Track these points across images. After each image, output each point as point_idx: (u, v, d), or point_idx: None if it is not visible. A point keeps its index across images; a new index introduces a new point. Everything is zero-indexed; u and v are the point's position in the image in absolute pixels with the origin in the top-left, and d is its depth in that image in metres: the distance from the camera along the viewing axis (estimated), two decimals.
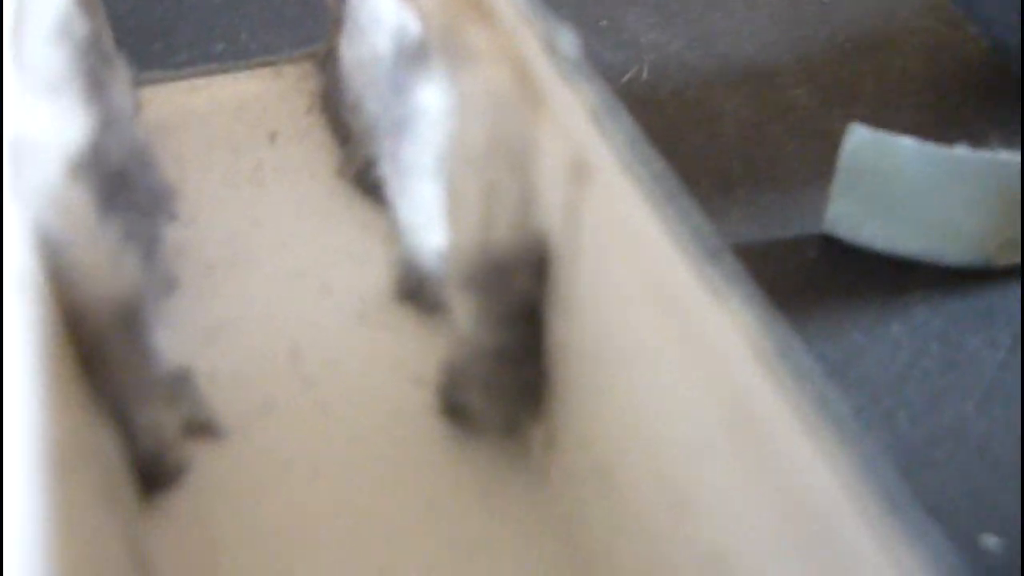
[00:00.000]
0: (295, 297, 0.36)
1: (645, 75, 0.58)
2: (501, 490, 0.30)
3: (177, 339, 0.34)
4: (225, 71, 0.45)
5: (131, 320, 0.26)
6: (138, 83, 0.44)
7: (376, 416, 0.32)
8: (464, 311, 0.28)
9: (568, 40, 0.23)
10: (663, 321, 0.21)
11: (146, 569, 0.27)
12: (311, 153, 0.42)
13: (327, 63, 0.44)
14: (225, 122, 0.43)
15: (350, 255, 0.38)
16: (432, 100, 0.31)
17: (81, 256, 0.23)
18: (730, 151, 0.53)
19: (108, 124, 0.33)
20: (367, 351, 0.34)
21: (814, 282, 0.46)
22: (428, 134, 0.31)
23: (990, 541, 0.32)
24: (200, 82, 0.45)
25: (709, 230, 0.19)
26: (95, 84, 0.33)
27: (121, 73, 0.38)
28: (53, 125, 0.24)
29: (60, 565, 0.20)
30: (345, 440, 0.32)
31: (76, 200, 0.23)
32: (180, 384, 0.32)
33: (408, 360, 0.33)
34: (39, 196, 0.23)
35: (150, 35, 0.57)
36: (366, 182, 0.39)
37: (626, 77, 0.55)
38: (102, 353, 0.25)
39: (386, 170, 0.36)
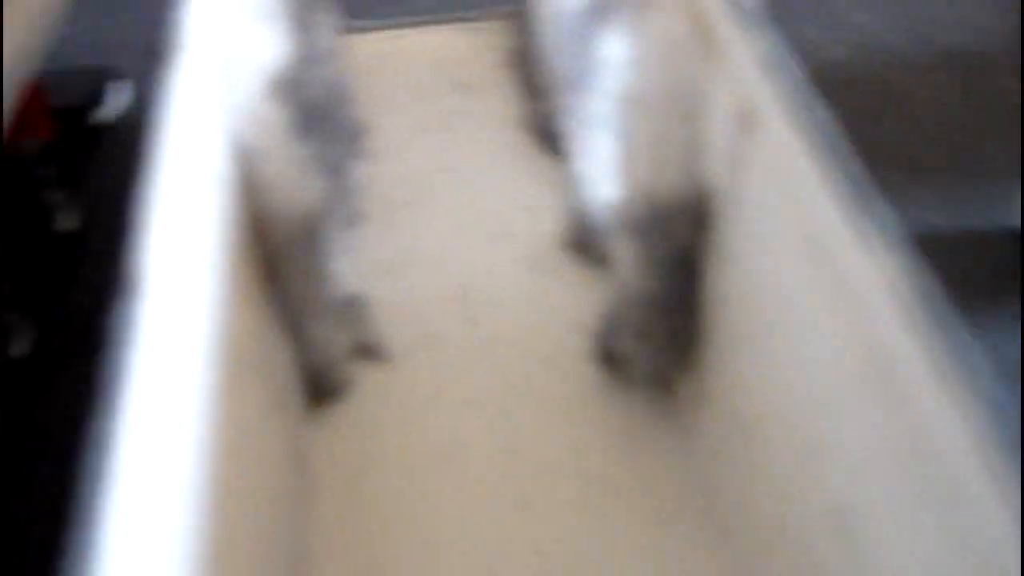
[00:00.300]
0: (470, 239, 0.37)
1: (844, 55, 0.56)
2: (647, 438, 0.31)
3: (357, 267, 0.36)
4: (426, 23, 0.47)
5: (312, 235, 0.28)
6: (347, 29, 0.46)
7: (533, 358, 0.33)
8: (626, 257, 0.28)
9: None
10: (815, 272, 0.21)
11: (306, 469, 0.29)
12: (499, 105, 0.44)
13: (521, 21, 0.45)
14: (422, 71, 0.45)
15: (526, 203, 0.39)
16: (614, 52, 0.31)
17: (272, 169, 0.25)
18: (927, 137, 0.51)
19: (311, 60, 0.35)
20: (532, 296, 0.35)
21: (1002, 278, 0.44)
22: (608, 86, 0.32)
23: None
24: (402, 32, 0.47)
25: (866, 182, 0.19)
26: (303, 22, 0.35)
27: (329, 17, 0.40)
28: (259, 49, 0.25)
29: (228, 457, 0.22)
30: (501, 378, 0.33)
31: (273, 117, 0.25)
32: (354, 308, 0.34)
33: (570, 308, 0.34)
34: (240, 110, 0.25)
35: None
36: (547, 135, 0.40)
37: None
38: (284, 262, 0.27)
39: (567, 123, 0.37)
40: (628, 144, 0.28)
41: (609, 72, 0.33)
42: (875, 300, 0.18)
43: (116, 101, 0.64)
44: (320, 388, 0.32)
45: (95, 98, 0.64)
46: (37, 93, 0.46)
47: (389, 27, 0.47)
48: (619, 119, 0.28)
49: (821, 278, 0.21)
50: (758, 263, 0.23)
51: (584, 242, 0.35)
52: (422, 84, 0.44)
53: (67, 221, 0.53)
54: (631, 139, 0.28)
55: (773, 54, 0.22)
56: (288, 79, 0.31)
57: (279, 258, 0.27)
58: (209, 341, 0.21)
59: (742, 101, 0.23)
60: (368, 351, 0.33)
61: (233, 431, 0.24)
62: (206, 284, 0.22)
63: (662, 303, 0.28)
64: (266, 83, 0.25)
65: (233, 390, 0.23)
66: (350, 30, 0.46)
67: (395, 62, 0.45)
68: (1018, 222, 0.44)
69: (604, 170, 0.35)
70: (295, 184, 0.27)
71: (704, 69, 0.25)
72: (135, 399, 0.17)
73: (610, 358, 0.31)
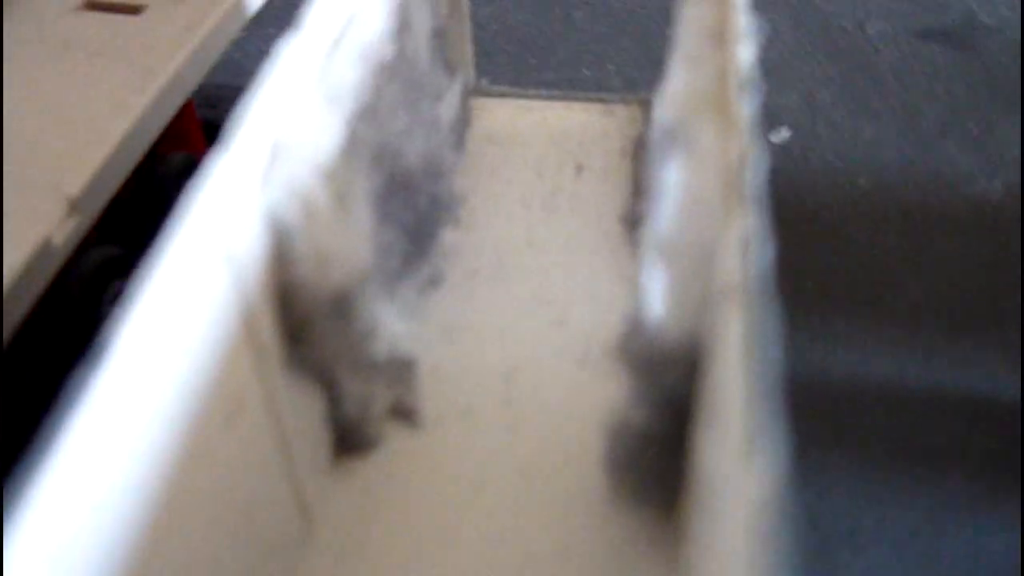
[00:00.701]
0: (532, 320, 0.38)
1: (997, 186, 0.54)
2: (636, 561, 0.31)
3: (419, 329, 0.38)
4: (559, 98, 0.49)
5: (346, 306, 0.30)
6: (476, 92, 0.48)
7: (556, 454, 0.34)
8: (631, 385, 0.29)
9: (759, 163, 0.23)
10: None
11: (308, 516, 0.31)
12: (607, 193, 0.44)
13: (650, 112, 0.46)
14: (541, 146, 0.46)
15: (599, 297, 0.39)
16: (671, 179, 0.32)
17: (307, 246, 0.27)
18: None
19: (412, 127, 0.37)
20: (573, 392, 0.36)
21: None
22: (665, 209, 0.32)
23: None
24: (532, 104, 0.48)
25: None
26: (410, 91, 0.37)
27: (449, 82, 0.43)
28: (312, 133, 0.28)
29: (229, 492, 0.24)
30: (519, 468, 0.34)
31: (316, 199, 0.27)
32: (402, 370, 0.35)
33: (606, 412, 0.35)
34: (283, 189, 0.27)
35: (530, 49, 0.62)
36: (636, 235, 0.41)
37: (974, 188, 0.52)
38: (319, 326, 0.29)
39: (646, 231, 0.38)
40: (650, 273, 0.29)
41: (667, 197, 0.34)
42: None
43: None
44: (348, 442, 0.34)
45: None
46: (191, 107, 0.50)
47: (521, 96, 0.49)
48: (651, 246, 0.29)
49: None
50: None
51: (634, 351, 0.36)
52: (537, 159, 0.46)
53: None
54: (653, 269, 0.29)
55: (756, 231, 0.22)
56: (377, 150, 0.33)
57: (312, 323, 0.29)
58: (204, 395, 0.24)
59: (731, 270, 0.23)
60: (404, 413, 0.35)
61: (232, 475, 0.26)
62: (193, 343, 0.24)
63: (653, 433, 0.28)
64: (314, 167, 0.27)
65: (233, 435, 0.25)
66: (479, 93, 0.48)
67: (518, 132, 0.47)
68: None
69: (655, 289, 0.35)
70: (332, 261, 0.29)
71: (723, 226, 0.25)
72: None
73: (618, 472, 0.32)
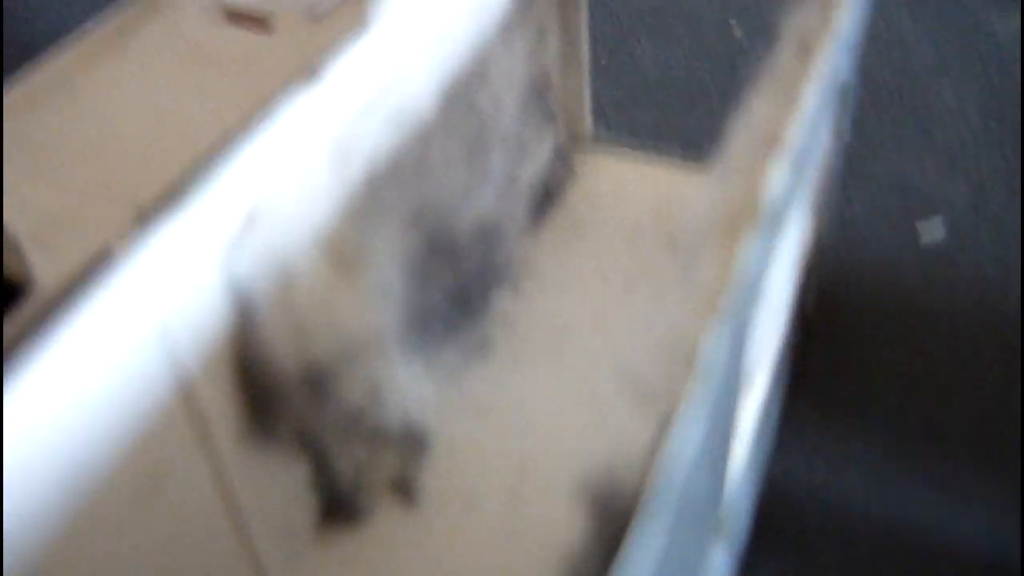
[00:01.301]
0: (571, 415, 0.35)
1: None
2: None
3: (449, 399, 0.36)
4: (669, 164, 0.45)
5: (328, 380, 0.28)
6: (594, 142, 0.45)
7: (543, 564, 0.31)
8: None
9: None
10: None
11: None
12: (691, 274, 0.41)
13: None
14: (635, 212, 0.43)
15: (651, 402, 0.36)
16: None
17: (280, 318, 0.26)
18: None
19: (471, 186, 0.35)
20: (574, 511, 0.33)
21: None
22: None
23: None
24: (649, 163, 0.45)
25: None
26: (475, 148, 0.35)
27: (544, 136, 0.40)
28: (309, 198, 0.26)
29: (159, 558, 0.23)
30: (505, 569, 0.31)
31: (301, 268, 0.26)
32: (411, 443, 0.33)
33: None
34: (256, 257, 0.25)
35: (659, 114, 0.58)
36: None
37: None
38: (284, 401, 0.28)
39: None
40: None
41: None
42: None
43: None
44: (335, 511, 0.32)
45: None
46: None
47: (637, 153, 0.45)
48: None
49: None
50: None
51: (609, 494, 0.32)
52: (633, 229, 0.42)
53: None
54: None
55: None
56: (433, 219, 0.32)
57: (282, 396, 0.28)
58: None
59: None
60: (403, 489, 0.33)
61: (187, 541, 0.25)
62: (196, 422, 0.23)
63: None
64: (308, 236, 0.26)
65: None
66: (594, 142, 0.45)
67: (622, 193, 0.44)
68: None
69: None
70: (317, 331, 0.27)
71: None
72: None
73: None
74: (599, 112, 0.52)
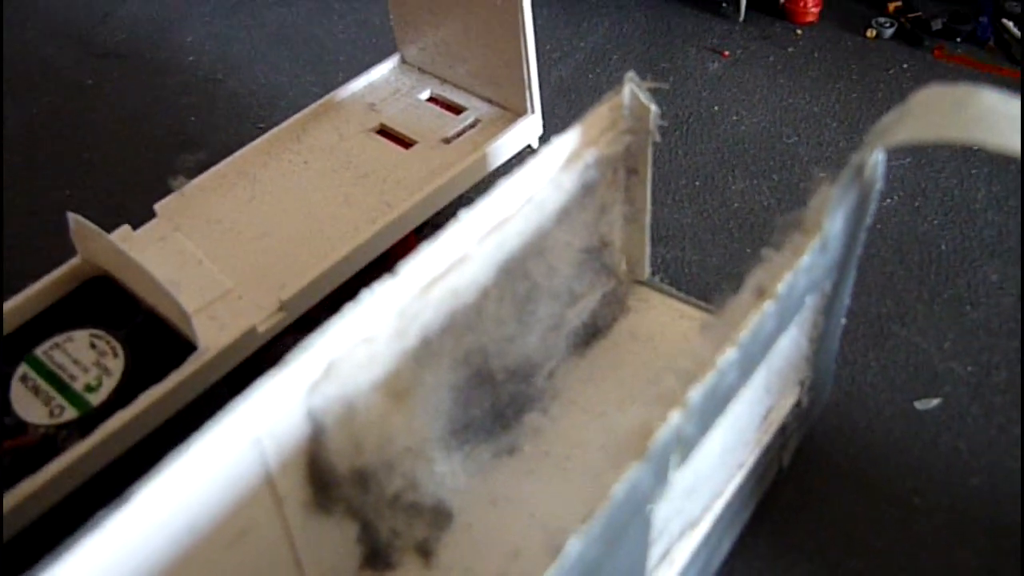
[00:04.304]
0: (563, 516, 0.46)
1: None
2: None
3: (477, 487, 0.47)
4: (711, 311, 0.55)
5: (371, 478, 0.40)
6: (646, 284, 0.55)
7: None
8: None
9: None
10: None
11: None
12: None
13: None
14: (678, 353, 0.53)
15: None
16: None
17: (341, 436, 0.38)
18: None
19: (520, 333, 0.46)
20: None
21: None
22: None
23: None
24: (692, 311, 0.55)
25: None
26: (528, 302, 0.46)
27: (594, 286, 0.51)
28: (374, 355, 0.38)
29: None
30: None
31: (360, 402, 0.38)
32: (438, 518, 0.45)
33: None
34: (329, 396, 0.37)
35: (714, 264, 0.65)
36: None
37: None
38: (340, 489, 0.40)
39: None
40: None
41: None
42: None
43: None
44: (374, 560, 0.44)
45: None
46: (413, 240, 0.62)
47: (682, 299, 0.55)
48: None
49: None
50: None
51: None
52: (663, 365, 0.52)
53: None
54: None
55: None
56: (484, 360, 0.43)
57: (338, 486, 0.40)
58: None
59: None
60: (424, 552, 0.45)
61: None
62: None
63: None
64: (371, 382, 0.38)
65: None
66: (646, 285, 0.55)
67: (662, 335, 0.53)
68: None
69: None
70: (369, 445, 0.39)
71: None
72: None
73: None
74: (656, 257, 0.62)
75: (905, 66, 0.84)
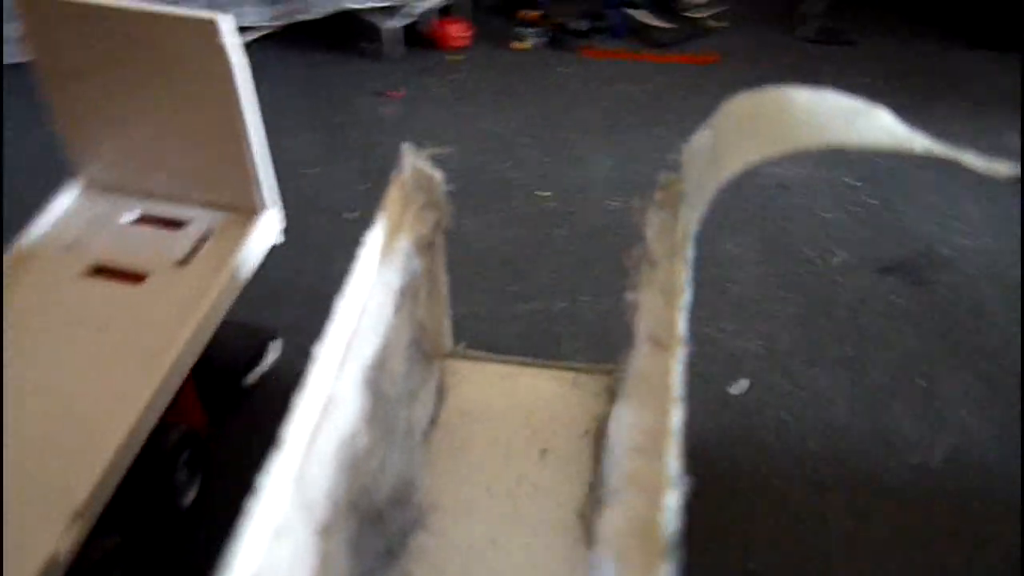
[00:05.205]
0: None
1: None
2: None
3: None
4: (532, 365, 0.52)
5: None
6: (456, 356, 0.52)
7: None
8: None
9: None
10: None
11: None
12: (568, 480, 0.48)
13: (614, 384, 0.50)
14: (512, 422, 0.50)
15: None
16: None
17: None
18: None
19: (387, 457, 0.41)
20: None
21: None
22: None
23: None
24: (508, 370, 0.52)
25: None
26: (386, 422, 0.41)
27: (426, 376, 0.46)
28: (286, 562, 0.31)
29: None
30: None
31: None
32: None
33: None
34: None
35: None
36: (592, 530, 0.44)
37: None
38: None
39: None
40: None
41: None
42: None
43: (270, 359, 0.67)
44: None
45: (255, 359, 0.65)
46: (190, 383, 0.53)
47: (495, 361, 0.52)
48: None
49: None
50: None
51: None
52: (507, 439, 0.49)
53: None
54: None
55: None
56: (361, 497, 0.37)
57: None
58: None
59: None
60: None
61: None
62: None
63: None
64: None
65: None
66: (457, 356, 0.52)
67: (490, 405, 0.50)
68: None
69: None
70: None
71: None
72: None
73: None
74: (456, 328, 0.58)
75: (560, 69, 0.86)
